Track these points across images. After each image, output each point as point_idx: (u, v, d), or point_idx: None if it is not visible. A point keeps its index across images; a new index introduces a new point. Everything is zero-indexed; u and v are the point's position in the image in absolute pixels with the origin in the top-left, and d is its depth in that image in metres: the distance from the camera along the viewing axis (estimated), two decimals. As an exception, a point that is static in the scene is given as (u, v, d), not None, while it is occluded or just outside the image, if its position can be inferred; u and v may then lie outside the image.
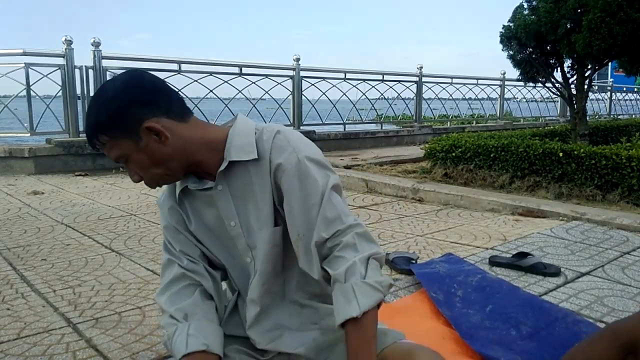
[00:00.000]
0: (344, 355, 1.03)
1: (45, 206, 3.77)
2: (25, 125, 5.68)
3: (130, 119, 1.01)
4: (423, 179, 4.62)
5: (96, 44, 5.72)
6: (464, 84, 9.86)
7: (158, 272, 2.22)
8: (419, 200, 4.07)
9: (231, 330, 1.20)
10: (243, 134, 1.09)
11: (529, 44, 5.45)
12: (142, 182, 1.10)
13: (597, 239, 2.81)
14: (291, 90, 7.32)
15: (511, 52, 5.73)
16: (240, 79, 6.88)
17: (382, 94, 8.55)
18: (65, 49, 5.60)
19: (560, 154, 3.94)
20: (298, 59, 7.27)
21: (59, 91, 5.72)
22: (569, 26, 5.10)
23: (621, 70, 5.97)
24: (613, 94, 14.31)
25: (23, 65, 5.50)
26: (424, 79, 8.97)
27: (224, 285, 1.27)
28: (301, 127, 7.33)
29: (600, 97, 14.08)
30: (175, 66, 6.28)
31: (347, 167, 5.29)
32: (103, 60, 5.79)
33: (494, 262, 2.37)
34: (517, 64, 5.83)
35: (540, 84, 6.09)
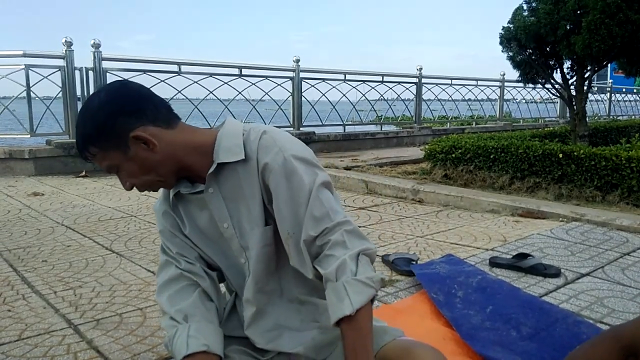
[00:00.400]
0: (343, 353, 1.03)
1: (45, 207, 3.77)
2: (25, 126, 5.68)
3: (117, 130, 1.03)
4: (423, 180, 4.62)
5: (96, 46, 5.72)
6: (464, 85, 9.86)
7: (159, 273, 2.23)
8: (419, 202, 4.08)
9: (231, 331, 1.21)
10: (231, 135, 1.10)
11: (529, 45, 5.45)
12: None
13: (597, 240, 2.81)
14: (291, 91, 7.33)
15: (511, 54, 5.74)
16: (240, 80, 6.89)
17: (381, 95, 8.56)
18: (66, 51, 5.61)
19: (560, 155, 3.94)
20: (298, 60, 7.27)
21: (59, 92, 5.72)
22: (568, 27, 5.11)
23: (620, 71, 5.99)
24: (612, 95, 14.32)
25: (23, 66, 5.51)
26: (423, 80, 8.98)
27: (222, 287, 1.27)
28: (301, 128, 7.34)
29: (600, 98, 14.10)
30: (175, 67, 6.28)
31: (347, 169, 5.29)
32: (103, 61, 5.79)
33: (494, 263, 2.37)
34: (516, 65, 5.84)
35: (539, 85, 6.10)
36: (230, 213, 1.12)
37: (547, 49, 5.53)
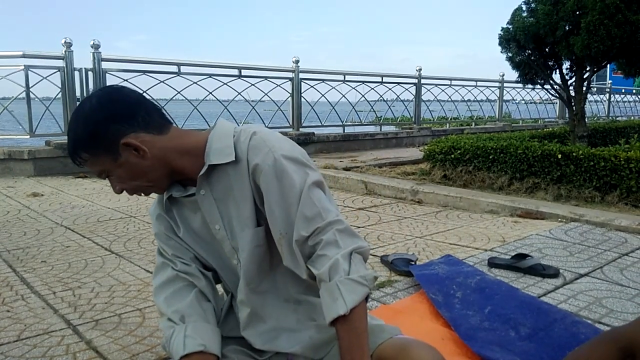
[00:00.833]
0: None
1: (44, 208, 3.78)
2: (25, 127, 5.68)
3: (108, 136, 1.03)
4: (422, 181, 4.62)
5: (96, 46, 5.72)
6: (463, 86, 9.87)
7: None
8: (418, 202, 4.08)
9: (228, 332, 1.21)
10: (222, 137, 1.10)
11: (528, 46, 5.46)
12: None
13: (596, 241, 2.81)
14: (290, 92, 7.33)
15: (510, 54, 5.74)
16: (239, 81, 6.89)
17: (381, 96, 8.56)
18: (65, 51, 5.60)
19: (559, 156, 3.95)
20: (297, 61, 7.27)
21: (58, 93, 5.72)
22: (567, 28, 5.11)
23: (619, 72, 5.99)
24: (611, 95, 14.33)
25: (23, 67, 5.50)
26: (422, 81, 8.98)
27: (219, 288, 1.28)
28: (300, 129, 7.34)
29: (599, 99, 14.12)
30: (174, 68, 6.29)
31: (347, 169, 5.30)
32: (103, 62, 5.79)
33: (493, 263, 2.38)
34: (515, 65, 5.84)
35: (539, 86, 6.10)
36: (221, 214, 1.12)
37: (546, 49, 5.53)
